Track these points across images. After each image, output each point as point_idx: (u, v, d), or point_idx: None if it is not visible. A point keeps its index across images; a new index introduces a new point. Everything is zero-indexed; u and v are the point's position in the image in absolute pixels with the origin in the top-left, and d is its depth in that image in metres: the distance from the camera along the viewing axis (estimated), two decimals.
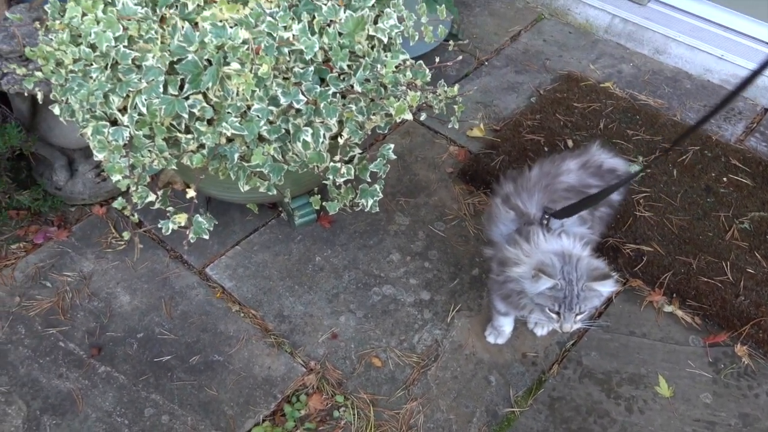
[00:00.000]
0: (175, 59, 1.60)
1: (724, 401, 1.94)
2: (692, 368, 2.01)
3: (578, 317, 1.63)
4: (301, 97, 1.63)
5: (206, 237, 1.81)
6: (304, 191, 2.22)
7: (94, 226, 2.35)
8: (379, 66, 1.73)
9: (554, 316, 1.63)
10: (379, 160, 1.88)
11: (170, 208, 1.84)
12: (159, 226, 1.83)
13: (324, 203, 2.04)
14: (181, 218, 1.67)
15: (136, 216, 1.75)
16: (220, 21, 1.64)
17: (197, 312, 2.12)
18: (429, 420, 1.90)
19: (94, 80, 1.64)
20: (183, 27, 1.63)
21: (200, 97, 1.62)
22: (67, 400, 1.91)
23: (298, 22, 1.64)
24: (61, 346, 2.03)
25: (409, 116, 1.79)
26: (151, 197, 1.77)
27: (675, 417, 1.91)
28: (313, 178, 2.10)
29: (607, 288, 1.59)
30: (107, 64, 1.65)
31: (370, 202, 1.92)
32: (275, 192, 1.83)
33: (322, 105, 1.66)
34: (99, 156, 1.66)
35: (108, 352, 2.02)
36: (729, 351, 2.05)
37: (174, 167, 1.67)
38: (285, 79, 1.66)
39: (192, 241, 1.76)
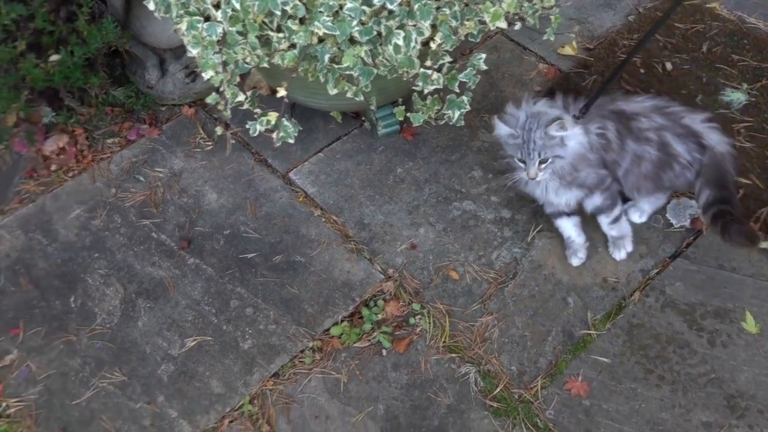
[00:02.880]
0: None
1: None
2: None
3: (542, 165, 1.78)
4: None
5: (291, 141, 1.83)
6: (389, 101, 2.19)
7: (183, 126, 2.41)
8: None
9: (521, 164, 1.81)
10: (469, 69, 1.83)
11: (257, 110, 1.87)
12: (247, 126, 1.86)
13: (408, 114, 2.02)
14: (272, 117, 1.68)
15: (229, 112, 1.78)
16: None
17: (280, 214, 2.18)
18: (504, 335, 1.92)
19: None
20: None
21: None
22: (160, 286, 2.03)
23: None
24: (153, 237, 2.13)
25: (503, 24, 1.72)
26: (241, 97, 1.80)
27: (760, 354, 1.85)
28: (400, 86, 2.07)
29: (559, 131, 1.73)
30: None
31: (457, 114, 1.89)
32: (362, 98, 1.81)
33: (416, 7, 1.61)
34: (193, 51, 1.68)
35: (197, 245, 2.11)
36: None
37: (266, 65, 1.67)
38: None
39: (277, 145, 1.78)
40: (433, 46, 1.65)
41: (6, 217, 2.19)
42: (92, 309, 1.98)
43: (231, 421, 1.79)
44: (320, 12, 1.60)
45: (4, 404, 1.81)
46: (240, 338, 1.92)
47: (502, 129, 1.80)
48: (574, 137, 1.78)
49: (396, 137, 2.35)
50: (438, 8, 1.63)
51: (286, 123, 1.80)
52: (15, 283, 2.04)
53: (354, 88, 1.76)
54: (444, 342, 1.91)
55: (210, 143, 2.35)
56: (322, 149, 2.34)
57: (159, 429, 1.77)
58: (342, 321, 1.95)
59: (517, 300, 1.98)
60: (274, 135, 1.82)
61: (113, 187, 2.25)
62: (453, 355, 1.89)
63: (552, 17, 1.87)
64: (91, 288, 2.02)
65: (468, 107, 1.87)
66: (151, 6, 1.82)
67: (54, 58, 2.06)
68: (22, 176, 2.26)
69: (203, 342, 1.92)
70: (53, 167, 2.28)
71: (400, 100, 2.18)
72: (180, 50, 2.43)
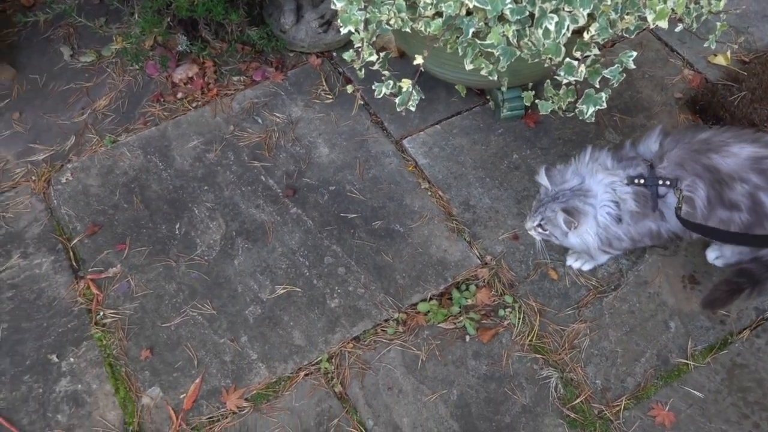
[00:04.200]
0: None
1: None
2: None
3: (539, 228, 1.77)
4: None
5: (412, 109, 1.80)
6: (520, 84, 2.11)
7: (308, 75, 2.42)
8: None
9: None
10: (615, 66, 1.72)
11: (386, 72, 1.83)
12: (372, 88, 1.83)
13: (537, 101, 1.94)
14: (404, 84, 1.65)
15: (363, 72, 1.75)
16: None
17: (387, 180, 2.15)
18: (594, 346, 1.84)
19: None
20: None
21: None
22: (260, 229, 2.06)
23: None
24: (261, 180, 2.16)
25: (665, 24, 1.60)
26: (374, 57, 1.77)
27: None
28: (534, 71, 1.98)
29: (562, 225, 1.68)
30: None
31: (591, 109, 1.80)
32: (495, 78, 1.74)
33: None
34: (337, 5, 1.65)
35: (301, 196, 2.13)
36: None
37: (407, 29, 1.63)
38: None
39: (400, 110, 1.75)
40: (585, 36, 1.56)
41: (130, 136, 2.28)
42: (194, 239, 2.04)
43: (307, 374, 1.81)
44: None
45: (101, 313, 1.91)
46: (328, 295, 1.93)
47: (541, 179, 1.76)
48: (578, 236, 1.72)
49: (518, 122, 2.26)
50: None
51: (411, 91, 1.76)
52: (128, 201, 2.12)
53: (491, 66, 1.69)
54: (530, 340, 1.85)
55: (330, 97, 2.35)
56: (440, 121, 2.28)
57: (238, 367, 1.82)
58: (431, 299, 1.93)
59: (614, 313, 1.89)
60: (397, 100, 1.79)
61: (232, 125, 2.29)
62: (537, 355, 1.83)
63: (718, 24, 1.72)
64: (197, 219, 2.08)
65: (604, 105, 1.77)
66: None
67: None
68: (150, 99, 2.34)
69: (292, 292, 1.94)
70: (179, 95, 2.35)
71: (531, 84, 2.09)
72: (317, 0, 2.42)
